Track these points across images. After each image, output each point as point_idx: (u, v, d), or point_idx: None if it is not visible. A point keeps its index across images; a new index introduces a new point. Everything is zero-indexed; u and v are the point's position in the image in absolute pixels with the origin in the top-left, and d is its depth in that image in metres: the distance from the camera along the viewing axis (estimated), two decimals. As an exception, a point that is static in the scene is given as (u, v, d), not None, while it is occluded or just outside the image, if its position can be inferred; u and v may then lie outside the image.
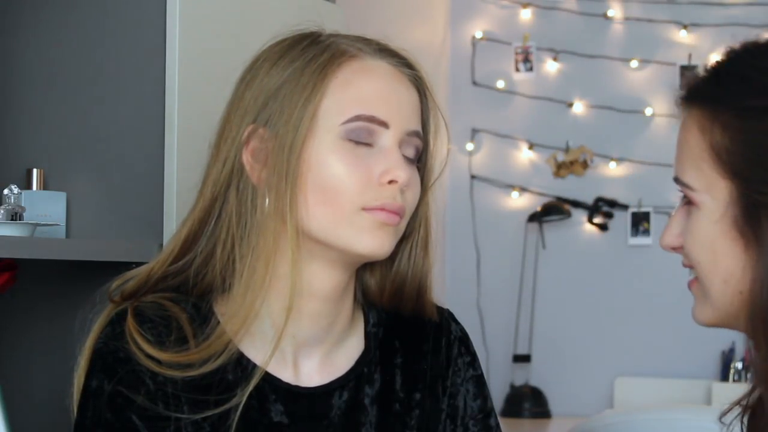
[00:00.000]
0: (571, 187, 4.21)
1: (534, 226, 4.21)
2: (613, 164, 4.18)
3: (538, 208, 4.19)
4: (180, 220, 1.26)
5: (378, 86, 1.20)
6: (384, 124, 1.19)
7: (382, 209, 1.17)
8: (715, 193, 1.09)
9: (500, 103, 4.30)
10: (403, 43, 1.27)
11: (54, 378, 1.49)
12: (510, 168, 4.29)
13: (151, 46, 1.78)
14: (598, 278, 4.17)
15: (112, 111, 1.81)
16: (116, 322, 1.19)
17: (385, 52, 1.23)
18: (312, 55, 1.20)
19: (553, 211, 4.16)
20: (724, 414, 1.18)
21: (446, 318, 1.36)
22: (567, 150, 4.22)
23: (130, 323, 1.18)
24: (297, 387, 1.23)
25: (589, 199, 4.18)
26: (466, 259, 4.28)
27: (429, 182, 1.28)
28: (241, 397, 1.17)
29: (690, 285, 1.17)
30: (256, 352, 1.21)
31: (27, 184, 1.80)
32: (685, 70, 4.09)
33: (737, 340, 3.88)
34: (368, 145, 1.19)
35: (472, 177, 4.32)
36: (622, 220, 4.17)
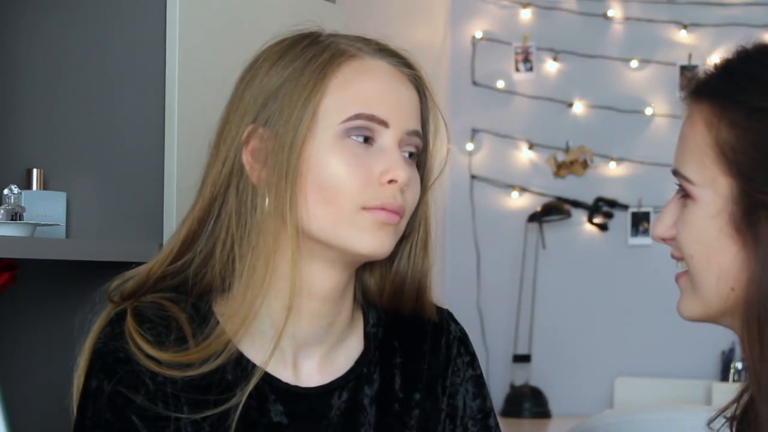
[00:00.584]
0: (571, 187, 4.21)
1: (534, 226, 4.21)
2: (613, 164, 4.18)
3: (538, 208, 4.19)
4: (180, 220, 1.26)
5: (378, 86, 1.20)
6: (384, 124, 1.19)
7: (382, 209, 1.17)
8: (715, 189, 1.10)
9: (500, 103, 4.30)
10: (403, 43, 1.27)
11: (54, 378, 1.49)
12: (510, 168, 4.29)
13: (151, 46, 1.78)
14: (598, 278, 4.17)
15: (112, 111, 1.81)
16: (116, 322, 1.19)
17: (384, 51, 1.23)
18: (312, 54, 1.20)
19: (553, 211, 4.16)
20: (712, 420, 1.18)
21: (445, 318, 1.36)
22: (567, 150, 4.22)
23: (130, 323, 1.18)
24: (296, 387, 1.23)
25: (589, 199, 4.18)
26: (466, 259, 4.28)
27: (429, 182, 1.28)
28: (241, 397, 1.17)
29: (678, 278, 1.17)
30: (255, 352, 1.21)
31: (27, 184, 1.80)
32: (685, 70, 4.09)
33: (737, 340, 3.87)
34: (368, 144, 1.19)
35: (472, 177, 4.32)
36: (622, 220, 4.17)
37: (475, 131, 4.32)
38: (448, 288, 4.25)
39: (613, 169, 4.18)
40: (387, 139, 1.19)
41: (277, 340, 1.18)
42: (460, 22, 4.36)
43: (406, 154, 1.22)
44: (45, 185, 1.82)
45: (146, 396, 1.16)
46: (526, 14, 4.28)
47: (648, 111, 4.13)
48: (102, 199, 1.81)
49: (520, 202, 4.27)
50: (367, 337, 1.30)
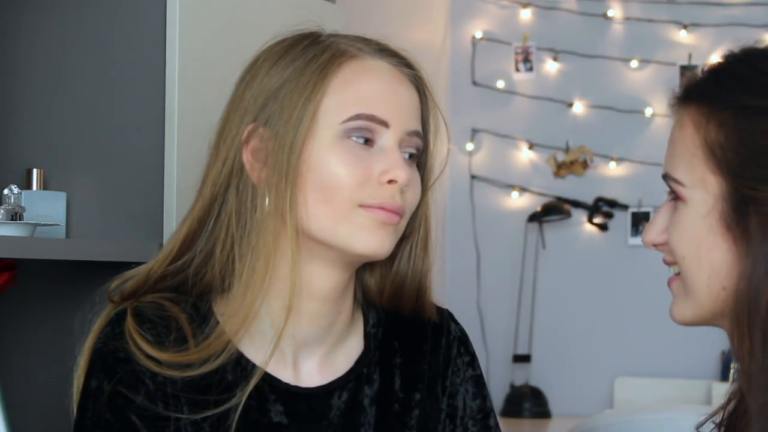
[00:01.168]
0: (571, 187, 4.21)
1: (534, 226, 4.21)
2: (613, 164, 4.18)
3: (538, 208, 4.19)
4: (180, 220, 1.26)
5: (378, 86, 1.20)
6: (384, 124, 1.19)
7: (381, 208, 1.17)
8: (704, 188, 1.11)
9: (500, 103, 4.30)
10: (403, 43, 1.27)
11: (54, 378, 1.49)
12: (510, 168, 4.29)
13: (151, 46, 1.78)
14: (598, 278, 4.17)
15: (112, 111, 1.81)
16: (116, 323, 1.19)
17: (385, 51, 1.23)
18: (312, 55, 1.20)
19: (553, 211, 4.16)
20: (701, 425, 1.18)
21: (446, 318, 1.36)
22: (567, 150, 4.22)
23: (130, 323, 1.18)
24: (296, 387, 1.23)
25: (589, 199, 4.18)
26: (466, 259, 4.28)
27: (429, 182, 1.28)
28: (241, 397, 1.17)
29: (670, 282, 1.18)
30: (255, 352, 1.21)
31: (27, 184, 1.80)
32: (685, 70, 4.09)
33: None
34: (368, 144, 1.19)
35: (472, 177, 4.32)
36: (622, 220, 4.17)
37: (475, 131, 4.32)
38: (448, 288, 4.25)
39: (613, 169, 4.18)
40: (387, 139, 1.19)
41: (277, 340, 1.18)
42: (460, 22, 4.36)
43: (407, 155, 1.22)
44: (45, 185, 1.82)
45: (146, 396, 1.16)
46: (526, 14, 4.28)
47: (648, 111, 4.13)
48: (102, 199, 1.81)
49: (520, 202, 4.27)
50: (367, 337, 1.30)
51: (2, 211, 1.64)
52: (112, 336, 1.18)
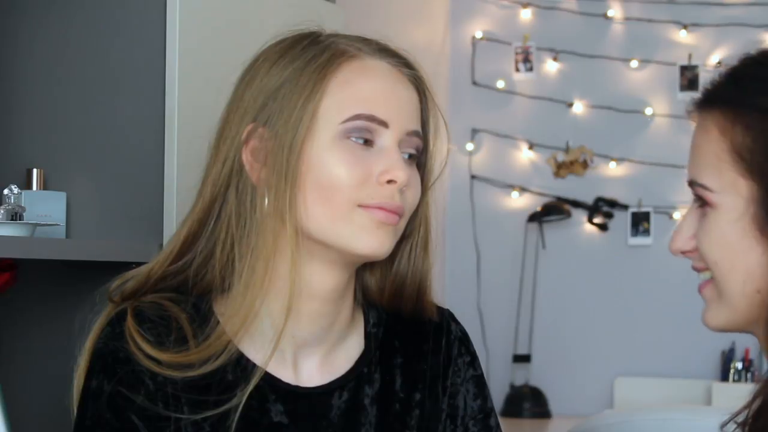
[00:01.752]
0: (571, 187, 4.21)
1: (534, 226, 4.21)
2: (613, 164, 4.18)
3: (538, 208, 4.19)
4: (180, 220, 1.26)
5: (378, 86, 1.20)
6: (384, 124, 1.19)
7: (381, 208, 1.17)
8: (735, 193, 1.10)
9: (500, 103, 4.30)
10: (403, 43, 1.27)
11: (54, 378, 1.49)
12: (510, 168, 4.29)
13: (151, 46, 1.78)
14: (598, 278, 4.17)
15: (112, 111, 1.81)
16: (116, 323, 1.19)
17: (384, 51, 1.23)
18: (312, 55, 1.20)
19: (553, 211, 4.16)
20: (725, 424, 1.18)
21: (446, 318, 1.36)
22: (567, 150, 4.22)
23: (130, 323, 1.18)
24: (297, 387, 1.23)
25: (589, 199, 4.18)
26: (466, 259, 4.28)
27: (429, 182, 1.28)
28: (241, 398, 1.17)
29: (701, 289, 1.17)
30: (255, 352, 1.21)
31: (27, 184, 1.80)
32: (685, 70, 4.09)
33: (737, 340, 3.88)
34: (368, 144, 1.19)
35: (472, 177, 4.32)
36: (622, 220, 4.16)
37: (475, 131, 4.32)
38: (448, 288, 4.25)
39: (613, 169, 4.18)
40: (387, 139, 1.19)
41: (277, 340, 1.18)
42: (460, 22, 4.36)
43: (406, 155, 1.22)
44: (45, 185, 1.82)
45: (146, 396, 1.16)
46: (526, 14, 4.28)
47: (648, 111, 4.13)
48: (102, 199, 1.81)
49: (520, 202, 4.27)
50: (367, 336, 1.30)
51: (2, 211, 1.64)
52: (112, 336, 1.18)
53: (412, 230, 1.27)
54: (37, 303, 1.85)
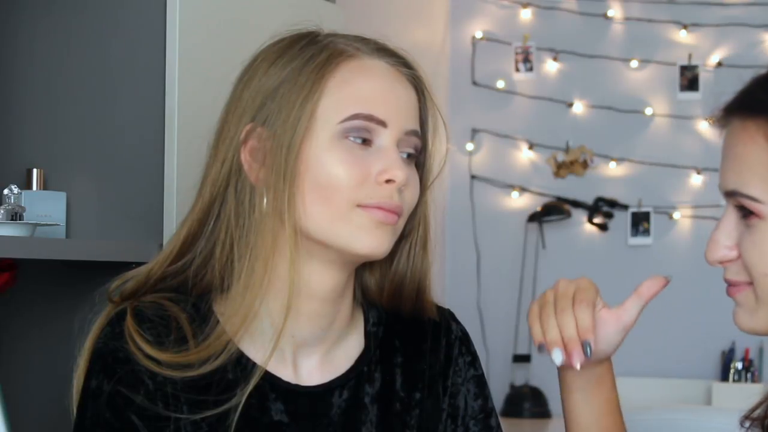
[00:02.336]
0: (571, 187, 4.21)
1: (534, 226, 4.21)
2: (613, 164, 4.18)
3: (538, 208, 4.19)
4: (180, 220, 1.26)
5: (376, 85, 1.20)
6: (382, 124, 1.19)
7: (379, 208, 1.17)
8: None
9: (500, 103, 4.30)
10: (403, 43, 1.27)
11: (54, 378, 1.49)
12: (510, 168, 4.29)
13: (151, 46, 1.78)
14: (598, 278, 4.12)
15: (112, 111, 1.81)
16: (116, 322, 1.19)
17: (383, 51, 1.23)
18: (310, 54, 1.20)
19: (553, 211, 4.16)
20: (744, 419, 1.17)
21: (446, 318, 1.36)
22: (567, 150, 4.22)
23: (130, 323, 1.18)
24: (297, 386, 1.23)
25: (589, 199, 4.18)
26: (466, 259, 4.28)
27: (428, 182, 1.28)
28: (241, 397, 1.17)
29: (733, 293, 1.14)
30: (255, 351, 1.21)
31: (27, 184, 1.80)
32: (685, 70, 4.09)
33: (737, 340, 3.88)
34: (366, 144, 1.19)
35: (472, 177, 4.32)
36: (622, 220, 4.16)
37: (475, 131, 4.32)
38: (448, 288, 4.25)
39: (613, 169, 4.18)
40: (385, 139, 1.19)
41: (277, 339, 1.18)
42: (460, 22, 4.36)
43: (405, 155, 1.21)
44: (45, 185, 1.82)
45: (146, 396, 1.16)
46: (526, 14, 4.28)
47: (648, 111, 4.13)
48: (102, 199, 1.81)
49: (520, 202, 4.27)
50: (367, 336, 1.30)
51: (2, 211, 1.64)
52: (111, 336, 1.18)
53: (411, 230, 1.27)
54: (37, 303, 1.85)
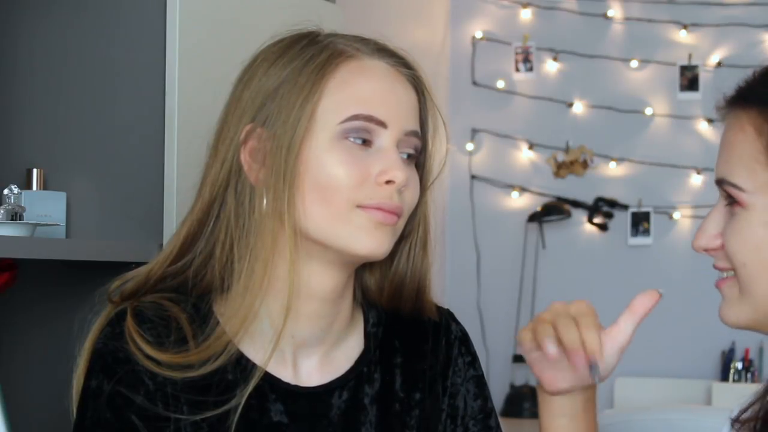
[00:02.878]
0: (571, 187, 4.21)
1: (534, 226, 4.21)
2: (613, 164, 4.18)
3: (538, 208, 4.19)
4: (180, 220, 1.26)
5: (376, 86, 1.20)
6: (382, 124, 1.19)
7: (379, 209, 1.17)
8: None
9: (500, 103, 4.30)
10: (403, 43, 1.27)
11: (54, 378, 1.49)
12: (510, 168, 4.30)
13: (151, 46, 1.78)
14: (598, 278, 4.17)
15: (112, 111, 1.81)
16: (115, 323, 1.19)
17: (383, 51, 1.23)
18: (310, 55, 1.19)
19: (553, 211, 4.16)
20: (735, 419, 1.17)
21: (446, 318, 1.36)
22: (567, 150, 4.22)
23: (130, 323, 1.18)
24: (297, 386, 1.23)
25: (589, 199, 4.19)
26: (466, 259, 4.28)
27: (428, 182, 1.28)
28: (241, 398, 1.17)
29: (720, 284, 1.15)
30: (255, 352, 1.21)
31: (27, 184, 1.80)
32: (685, 70, 4.09)
33: (737, 340, 3.88)
34: (366, 145, 1.19)
35: (472, 177, 4.32)
36: (622, 220, 4.17)
37: (475, 131, 4.32)
38: (448, 288, 4.25)
39: (613, 169, 4.18)
40: (385, 139, 1.19)
41: (276, 340, 1.18)
42: (460, 22, 4.36)
43: (405, 155, 1.21)
44: (45, 185, 1.82)
45: (146, 396, 1.16)
46: (526, 14, 4.28)
47: (648, 111, 4.13)
48: (102, 199, 1.81)
49: (520, 202, 4.27)
50: (367, 336, 1.30)
51: (2, 211, 1.64)
52: (111, 336, 1.18)
53: (411, 230, 1.27)
54: (37, 303, 1.85)
